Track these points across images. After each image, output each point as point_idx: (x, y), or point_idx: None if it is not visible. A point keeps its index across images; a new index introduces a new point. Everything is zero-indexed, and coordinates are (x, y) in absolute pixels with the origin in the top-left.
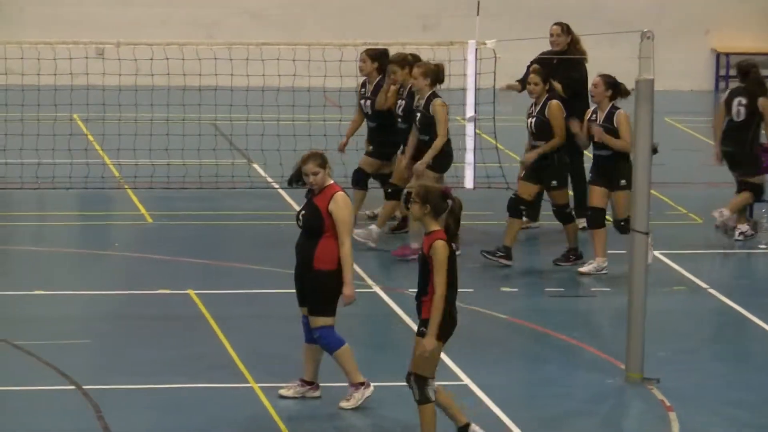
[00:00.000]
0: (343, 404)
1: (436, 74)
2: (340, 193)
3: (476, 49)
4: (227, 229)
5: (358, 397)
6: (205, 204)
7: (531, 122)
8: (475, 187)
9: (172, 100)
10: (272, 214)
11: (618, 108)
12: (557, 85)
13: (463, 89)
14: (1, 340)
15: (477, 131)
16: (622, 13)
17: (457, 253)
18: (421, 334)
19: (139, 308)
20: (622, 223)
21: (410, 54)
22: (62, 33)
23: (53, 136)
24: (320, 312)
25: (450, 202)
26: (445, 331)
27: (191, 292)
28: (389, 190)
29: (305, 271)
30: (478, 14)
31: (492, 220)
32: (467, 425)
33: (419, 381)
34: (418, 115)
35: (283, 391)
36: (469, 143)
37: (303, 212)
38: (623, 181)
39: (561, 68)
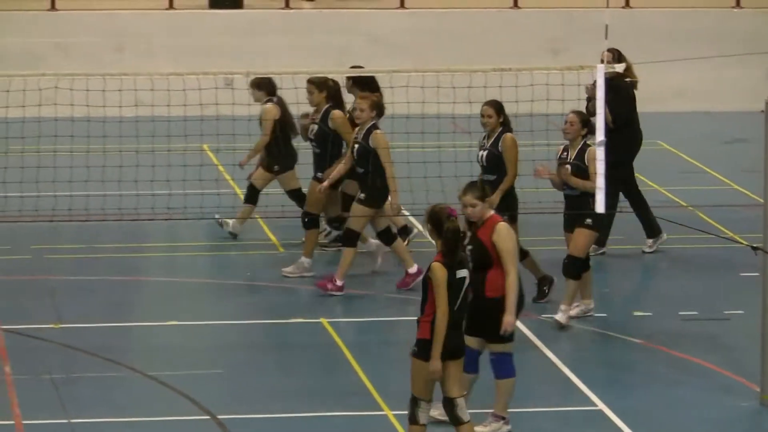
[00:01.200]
0: (479, 428)
1: (381, 106)
2: (502, 223)
3: (605, 73)
4: (360, 257)
5: (495, 427)
6: None
7: (482, 155)
8: (606, 212)
9: None
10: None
11: (589, 145)
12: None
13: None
14: (136, 371)
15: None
16: (753, 33)
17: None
18: (413, 353)
19: (272, 338)
20: (566, 261)
21: (331, 80)
22: (191, 64)
23: (184, 167)
24: (500, 339)
25: (447, 224)
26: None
27: (324, 321)
28: (306, 219)
29: (478, 301)
30: (606, 38)
31: (623, 245)
32: None
33: (412, 401)
34: (357, 146)
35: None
36: (600, 167)
37: (469, 247)
38: (589, 220)
39: (610, 96)
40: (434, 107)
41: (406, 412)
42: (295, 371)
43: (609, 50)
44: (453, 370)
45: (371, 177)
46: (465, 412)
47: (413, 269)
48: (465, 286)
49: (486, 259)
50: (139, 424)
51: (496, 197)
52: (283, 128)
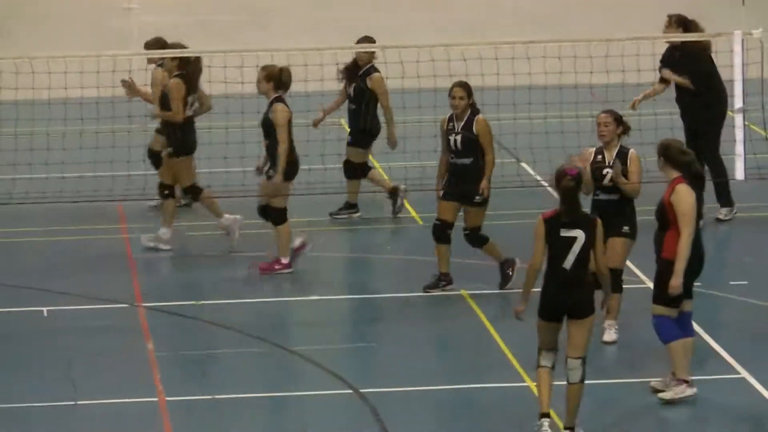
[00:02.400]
0: (662, 395)
1: (280, 78)
2: (682, 185)
3: (743, 40)
4: (496, 228)
5: (677, 391)
6: None
7: (456, 139)
8: (746, 179)
9: (439, 102)
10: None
11: (627, 148)
12: (684, 81)
13: (731, 80)
14: (278, 346)
15: (746, 123)
16: None
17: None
18: None
19: (414, 311)
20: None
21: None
22: (334, 39)
23: (322, 141)
24: (659, 300)
25: (562, 182)
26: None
27: (464, 292)
28: (165, 192)
29: (657, 260)
30: (743, 4)
31: (764, 212)
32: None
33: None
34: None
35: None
36: (739, 134)
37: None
38: (626, 228)
39: (685, 63)
40: (572, 77)
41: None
42: (436, 344)
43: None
44: (571, 329)
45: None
46: (576, 374)
47: (299, 242)
48: (577, 247)
49: (664, 219)
50: (281, 398)
51: (486, 185)
52: None
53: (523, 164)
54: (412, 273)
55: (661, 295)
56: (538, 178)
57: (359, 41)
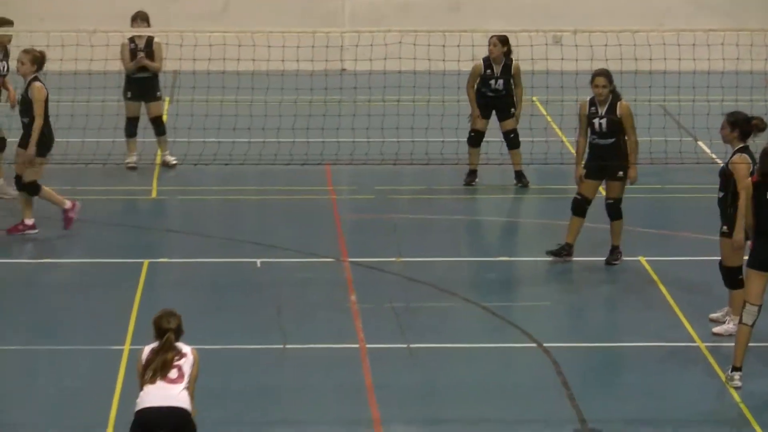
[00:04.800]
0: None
1: (42, 61)
2: None
3: None
4: (678, 201)
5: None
6: (654, 178)
7: (601, 123)
8: None
9: (625, 82)
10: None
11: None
12: None
13: None
14: (470, 301)
15: None
16: None
17: None
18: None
19: (587, 274)
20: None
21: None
22: (523, 22)
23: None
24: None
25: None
26: None
27: (642, 259)
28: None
29: None
30: None
31: None
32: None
33: None
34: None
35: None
36: None
37: None
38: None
39: None
40: (747, 64)
41: (715, 344)
42: (610, 306)
43: None
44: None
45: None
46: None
47: (30, 221)
48: None
49: None
50: (471, 350)
51: (635, 170)
52: None
53: (700, 143)
54: (596, 237)
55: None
56: (713, 156)
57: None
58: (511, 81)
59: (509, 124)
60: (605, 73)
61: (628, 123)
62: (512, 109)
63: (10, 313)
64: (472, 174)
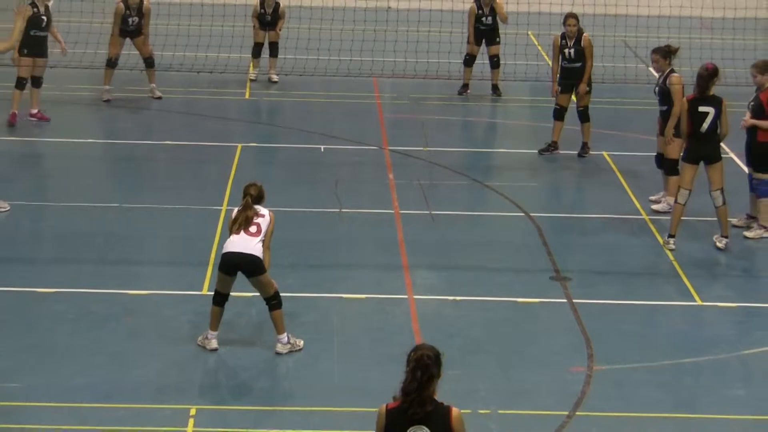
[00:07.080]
0: (746, 233)
1: None
2: None
3: None
4: (632, 111)
5: (759, 233)
6: (615, 93)
7: (570, 52)
8: None
9: (597, 23)
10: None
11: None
12: None
13: None
14: (477, 180)
15: None
16: None
17: None
18: None
19: (572, 163)
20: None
21: None
22: None
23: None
24: (759, 169)
25: None
26: None
27: (605, 153)
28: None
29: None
30: None
31: None
32: None
33: None
34: None
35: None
36: None
37: None
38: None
39: None
40: (688, 11)
41: (654, 217)
42: (580, 187)
43: None
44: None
45: None
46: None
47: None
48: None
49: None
50: (475, 216)
51: (583, 85)
52: None
53: (650, 68)
54: (568, 138)
55: (761, 165)
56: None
57: None
58: (497, 17)
59: (494, 49)
60: (575, 15)
61: (588, 51)
62: (497, 38)
63: (148, 177)
64: (465, 87)
